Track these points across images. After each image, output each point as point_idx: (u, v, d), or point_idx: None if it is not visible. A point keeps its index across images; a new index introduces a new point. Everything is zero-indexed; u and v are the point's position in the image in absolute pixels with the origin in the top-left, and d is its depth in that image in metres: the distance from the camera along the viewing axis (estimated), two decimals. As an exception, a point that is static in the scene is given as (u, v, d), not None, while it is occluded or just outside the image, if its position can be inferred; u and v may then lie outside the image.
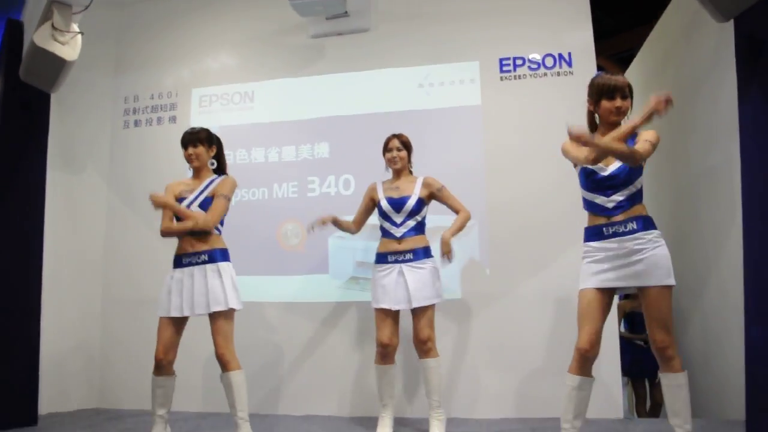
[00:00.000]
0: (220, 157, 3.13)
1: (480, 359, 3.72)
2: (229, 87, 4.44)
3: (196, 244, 2.88)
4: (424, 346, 3.13)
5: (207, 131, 3.05)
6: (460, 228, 3.24)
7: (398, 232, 3.23)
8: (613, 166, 2.39)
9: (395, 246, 3.21)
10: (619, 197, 2.37)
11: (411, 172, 3.39)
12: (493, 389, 3.68)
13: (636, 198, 2.39)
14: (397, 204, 3.24)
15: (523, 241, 3.76)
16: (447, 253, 3.12)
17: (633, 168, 2.36)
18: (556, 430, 3.05)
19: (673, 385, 2.29)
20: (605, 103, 2.40)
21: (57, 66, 3.50)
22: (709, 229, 3.94)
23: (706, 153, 3.94)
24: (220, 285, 2.78)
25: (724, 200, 3.58)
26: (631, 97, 2.41)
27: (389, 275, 3.18)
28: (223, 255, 2.90)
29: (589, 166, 2.40)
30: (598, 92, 2.43)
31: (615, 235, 2.35)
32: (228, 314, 2.79)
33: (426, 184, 3.29)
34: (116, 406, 4.13)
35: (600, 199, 2.40)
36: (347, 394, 3.87)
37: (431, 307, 3.16)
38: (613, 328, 3.62)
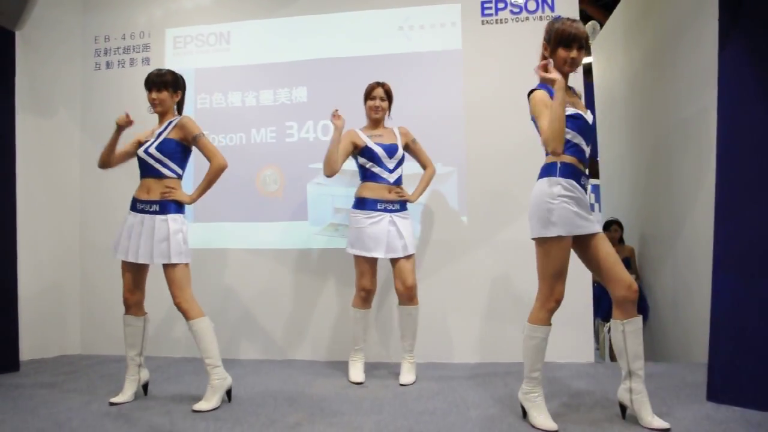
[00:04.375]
0: (181, 103, 3.00)
1: (456, 306, 3.79)
2: (205, 28, 4.29)
3: (151, 191, 2.83)
4: (410, 293, 3.21)
5: (173, 74, 2.90)
6: (427, 186, 3.43)
7: (391, 177, 3.27)
8: (589, 116, 2.42)
9: (385, 194, 3.24)
10: (588, 147, 2.43)
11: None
12: (468, 335, 3.76)
13: None
14: (390, 149, 3.27)
15: (501, 189, 3.78)
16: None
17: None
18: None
19: (637, 330, 2.34)
20: (561, 52, 2.33)
21: (21, 2, 3.36)
22: (684, 177, 3.98)
23: (686, 101, 3.94)
24: (165, 238, 2.73)
25: (700, 149, 3.61)
26: (587, 50, 2.37)
27: (379, 223, 3.20)
28: (176, 206, 2.82)
29: (576, 111, 2.36)
30: (556, 39, 2.33)
31: (583, 186, 2.39)
32: (180, 267, 2.75)
33: (403, 134, 3.36)
34: (98, 352, 4.16)
35: (583, 145, 2.39)
36: (327, 340, 3.93)
37: (414, 255, 3.26)
38: (586, 275, 3.69)
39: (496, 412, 2.59)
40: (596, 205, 6.95)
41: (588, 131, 2.41)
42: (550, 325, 2.40)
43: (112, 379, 3.34)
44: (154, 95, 2.87)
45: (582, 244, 2.37)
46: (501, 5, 3.86)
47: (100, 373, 3.51)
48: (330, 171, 3.19)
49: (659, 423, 2.28)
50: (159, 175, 2.84)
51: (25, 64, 3.89)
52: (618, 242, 5.07)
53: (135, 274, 2.85)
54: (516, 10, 3.84)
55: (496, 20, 3.87)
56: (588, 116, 2.42)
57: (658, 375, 3.15)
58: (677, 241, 4.10)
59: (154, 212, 2.79)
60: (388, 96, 3.33)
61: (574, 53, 2.32)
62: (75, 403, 2.82)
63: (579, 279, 3.49)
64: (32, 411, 2.70)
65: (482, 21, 3.88)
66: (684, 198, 3.96)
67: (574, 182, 2.33)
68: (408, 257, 3.21)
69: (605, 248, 2.34)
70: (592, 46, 6.53)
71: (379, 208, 3.22)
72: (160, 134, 2.86)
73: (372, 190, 3.25)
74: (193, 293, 2.80)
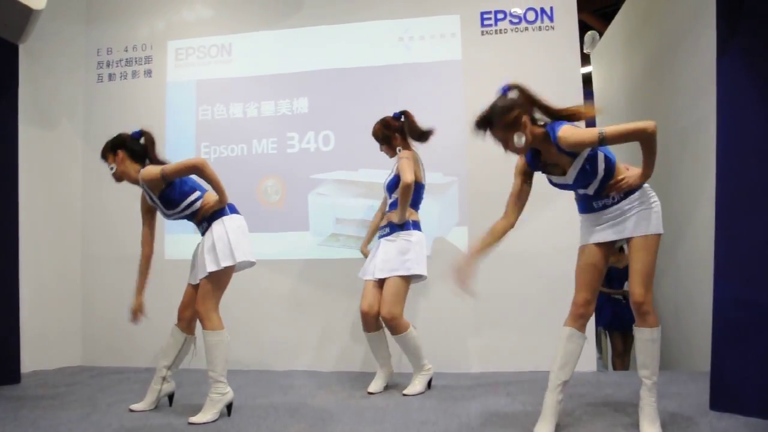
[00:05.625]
0: (136, 150, 2.84)
1: (458, 316, 3.78)
2: (206, 39, 4.33)
3: (199, 224, 2.85)
4: (386, 323, 3.15)
5: (109, 141, 2.84)
6: (402, 202, 3.13)
7: (388, 206, 3.31)
8: (569, 176, 2.33)
9: (383, 221, 3.32)
10: (594, 186, 2.33)
11: (407, 148, 3.28)
12: (471, 345, 3.76)
13: (606, 176, 2.31)
14: (385, 186, 3.32)
15: (502, 199, 3.76)
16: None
17: (584, 172, 2.29)
18: (534, 383, 3.17)
19: (646, 340, 2.34)
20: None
21: (24, 15, 3.38)
22: (685, 186, 3.99)
23: (685, 110, 3.95)
24: (212, 247, 2.71)
25: (700, 157, 3.61)
26: (503, 126, 2.31)
27: (376, 248, 3.29)
28: (212, 215, 2.78)
29: (556, 182, 2.41)
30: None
31: (604, 207, 2.36)
32: (214, 273, 2.71)
33: (399, 158, 3.23)
34: (99, 364, 4.17)
35: (581, 191, 2.40)
36: (328, 350, 3.93)
37: (396, 280, 3.13)
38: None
39: (498, 422, 2.58)
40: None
41: (575, 187, 2.38)
42: (571, 326, 2.38)
43: (113, 391, 3.33)
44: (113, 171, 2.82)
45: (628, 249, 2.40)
46: (500, 16, 3.89)
47: (100, 385, 3.50)
48: None
49: (646, 430, 2.29)
50: (191, 218, 2.83)
51: (28, 75, 3.92)
52: (619, 251, 5.07)
53: (190, 293, 2.88)
54: (515, 20, 3.86)
55: (496, 31, 3.89)
56: (568, 178, 2.34)
57: (660, 384, 3.09)
58: (678, 249, 4.09)
59: (206, 229, 2.78)
60: (375, 137, 3.30)
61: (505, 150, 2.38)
62: (75, 415, 2.81)
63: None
64: (33, 423, 2.69)
65: (482, 31, 3.91)
66: (684, 206, 3.96)
67: (586, 214, 2.44)
68: (386, 281, 3.13)
69: (632, 254, 2.34)
70: (591, 56, 6.56)
71: (379, 234, 3.32)
72: (150, 197, 2.79)
73: None
74: (216, 305, 2.77)
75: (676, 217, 4.11)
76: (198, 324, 2.82)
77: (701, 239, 3.55)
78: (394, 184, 3.24)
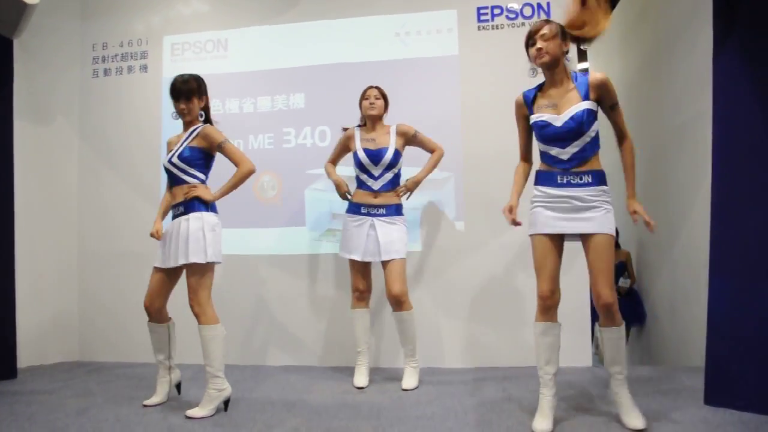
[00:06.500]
0: (207, 105, 2.98)
1: (454, 311, 3.79)
2: (202, 35, 4.31)
3: (178, 197, 2.84)
4: (396, 299, 3.20)
5: (197, 80, 2.89)
6: (434, 166, 3.38)
7: (376, 185, 3.26)
8: (565, 115, 2.36)
9: (370, 199, 3.26)
10: (573, 149, 2.37)
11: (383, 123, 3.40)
12: (466, 340, 3.77)
13: (590, 148, 2.37)
14: (375, 156, 3.25)
15: (498, 194, 3.77)
16: (409, 189, 3.28)
17: (585, 119, 2.33)
18: (530, 378, 3.18)
19: (615, 338, 2.39)
20: (530, 51, 2.42)
21: (19, 10, 3.38)
22: (681, 183, 4.00)
23: (681, 107, 3.96)
24: (186, 238, 2.72)
25: (696, 155, 3.62)
26: (562, 34, 2.35)
27: (361, 227, 3.26)
28: (201, 205, 2.80)
29: (542, 119, 2.41)
30: (525, 45, 2.45)
31: (569, 184, 2.37)
32: (196, 267, 2.72)
33: (400, 133, 3.32)
34: (97, 359, 4.16)
35: (555, 151, 2.40)
36: (325, 345, 3.93)
37: (402, 261, 3.21)
38: (583, 280, 3.68)
39: (494, 416, 2.59)
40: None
41: (558, 135, 2.38)
42: (543, 321, 2.42)
43: (110, 385, 3.33)
44: (183, 105, 2.86)
45: (583, 245, 2.41)
46: (497, 11, 3.88)
47: (97, 380, 3.50)
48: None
49: (634, 423, 2.32)
50: (183, 183, 2.84)
51: (24, 71, 3.90)
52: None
53: (160, 281, 2.86)
54: (512, 15, 3.86)
55: (493, 26, 3.89)
56: (558, 120, 2.37)
57: (656, 379, 3.15)
58: (674, 245, 4.10)
59: (181, 214, 2.80)
60: (383, 95, 3.36)
61: (538, 44, 2.37)
62: (72, 410, 2.81)
63: (574, 283, 3.50)
64: (29, 418, 2.69)
65: (478, 27, 3.91)
66: (680, 202, 3.97)
67: (546, 187, 2.43)
68: (392, 263, 3.19)
69: (592, 254, 2.36)
70: (588, 52, 6.55)
71: (362, 212, 3.28)
72: (183, 142, 2.85)
73: (358, 196, 3.32)
74: (209, 298, 2.77)
75: (672, 214, 4.12)
76: (187, 315, 2.81)
77: (697, 236, 3.56)
78: (393, 161, 3.26)
